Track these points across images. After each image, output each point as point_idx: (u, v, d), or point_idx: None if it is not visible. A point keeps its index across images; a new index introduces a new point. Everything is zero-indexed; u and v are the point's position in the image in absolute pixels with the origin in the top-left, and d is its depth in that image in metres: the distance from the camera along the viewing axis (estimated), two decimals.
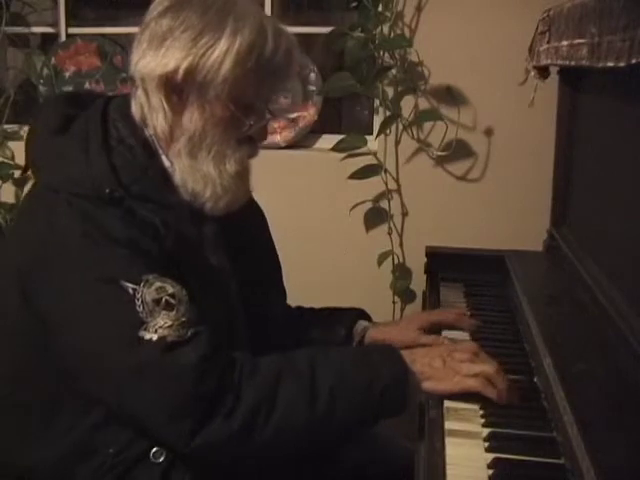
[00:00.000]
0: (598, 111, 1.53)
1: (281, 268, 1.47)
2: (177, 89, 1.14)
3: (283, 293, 1.47)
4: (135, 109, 1.18)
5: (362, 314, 1.48)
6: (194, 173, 1.17)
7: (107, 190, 1.09)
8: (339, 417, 1.09)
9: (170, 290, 1.07)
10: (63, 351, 1.10)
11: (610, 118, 1.41)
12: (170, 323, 1.05)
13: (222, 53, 1.11)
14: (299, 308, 1.52)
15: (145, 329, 1.04)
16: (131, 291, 1.05)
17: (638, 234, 1.18)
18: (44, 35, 2.92)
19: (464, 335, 1.43)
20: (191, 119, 1.15)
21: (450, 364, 1.14)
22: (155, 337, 1.04)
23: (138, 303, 1.04)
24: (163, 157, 1.18)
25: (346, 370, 1.12)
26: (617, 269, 1.30)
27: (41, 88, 2.80)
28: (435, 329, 1.44)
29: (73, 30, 2.82)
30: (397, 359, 1.15)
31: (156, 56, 1.13)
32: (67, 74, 2.80)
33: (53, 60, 2.78)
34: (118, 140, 1.15)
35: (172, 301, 1.06)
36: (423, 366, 1.15)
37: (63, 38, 2.82)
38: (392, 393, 1.11)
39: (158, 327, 1.04)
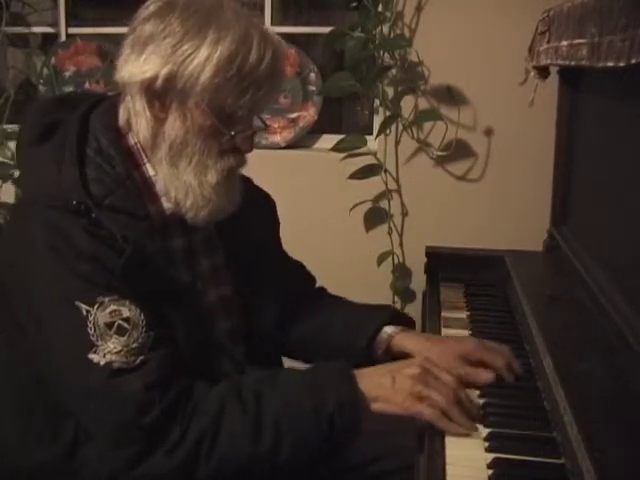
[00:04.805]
0: (598, 111, 1.52)
1: (287, 263, 1.48)
2: (159, 96, 1.12)
3: (295, 290, 1.44)
4: (122, 113, 1.17)
5: (393, 316, 1.38)
6: (175, 181, 1.15)
7: (74, 202, 1.07)
8: (286, 447, 1.07)
9: (125, 314, 1.05)
10: (35, 358, 1.11)
11: (610, 118, 1.41)
12: (119, 349, 1.04)
13: (202, 61, 1.09)
14: (330, 297, 1.50)
15: (95, 352, 1.03)
16: (84, 312, 1.04)
17: (638, 234, 1.18)
18: (44, 35, 2.92)
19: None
20: (173, 127, 1.13)
21: (400, 382, 1.10)
22: (103, 362, 1.03)
23: (90, 325, 1.03)
24: (148, 165, 1.17)
25: (292, 399, 1.09)
26: (617, 269, 1.30)
27: (41, 88, 2.80)
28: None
29: (73, 30, 2.83)
30: (345, 381, 1.11)
31: (137, 62, 1.12)
32: (67, 74, 2.80)
33: (53, 60, 2.78)
34: (96, 150, 1.14)
35: (125, 325, 1.05)
36: (370, 385, 1.11)
37: (63, 38, 2.83)
38: (341, 418, 1.08)
39: (107, 352, 1.03)
